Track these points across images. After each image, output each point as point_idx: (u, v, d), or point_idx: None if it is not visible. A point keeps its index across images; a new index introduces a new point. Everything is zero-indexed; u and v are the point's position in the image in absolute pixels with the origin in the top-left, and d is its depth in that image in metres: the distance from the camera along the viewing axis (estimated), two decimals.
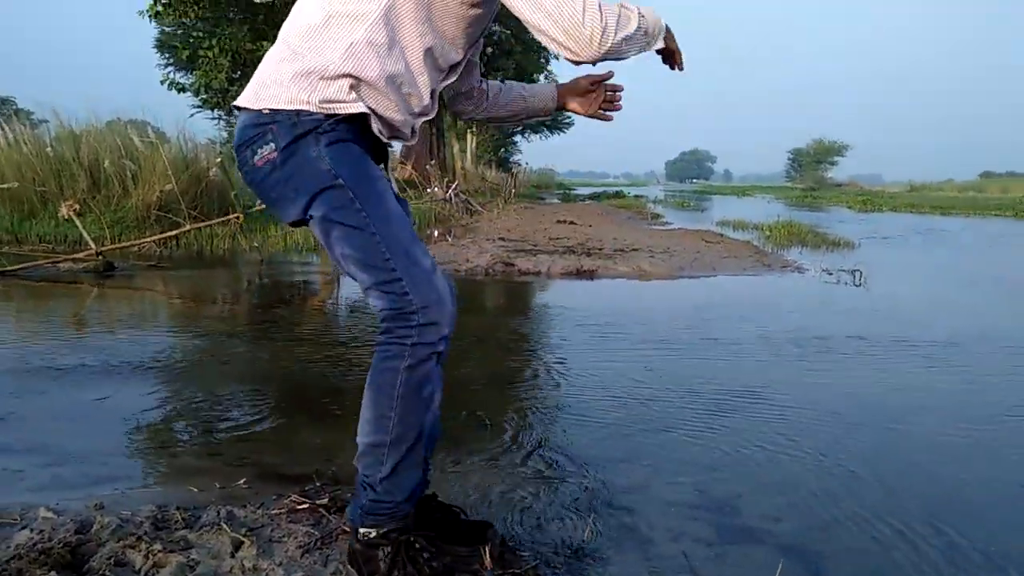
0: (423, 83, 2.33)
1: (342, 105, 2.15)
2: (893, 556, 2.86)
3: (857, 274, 10.54)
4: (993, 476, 3.72)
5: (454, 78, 2.49)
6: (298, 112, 2.13)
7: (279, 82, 2.16)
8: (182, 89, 21.65)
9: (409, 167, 26.49)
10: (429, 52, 2.28)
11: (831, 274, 10.86)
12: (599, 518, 3.05)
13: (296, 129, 2.13)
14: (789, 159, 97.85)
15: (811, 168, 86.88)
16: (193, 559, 2.33)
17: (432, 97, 2.42)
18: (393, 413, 2.23)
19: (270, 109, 2.15)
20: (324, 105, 2.13)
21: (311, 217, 2.22)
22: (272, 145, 2.16)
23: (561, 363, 5.73)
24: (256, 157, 2.19)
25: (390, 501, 2.26)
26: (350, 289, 9.39)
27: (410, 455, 2.27)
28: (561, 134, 54.40)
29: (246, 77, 18.98)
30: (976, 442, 4.19)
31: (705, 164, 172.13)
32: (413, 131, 2.48)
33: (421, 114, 2.43)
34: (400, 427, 2.24)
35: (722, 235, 16.79)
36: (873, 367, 5.81)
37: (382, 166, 2.43)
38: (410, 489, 2.31)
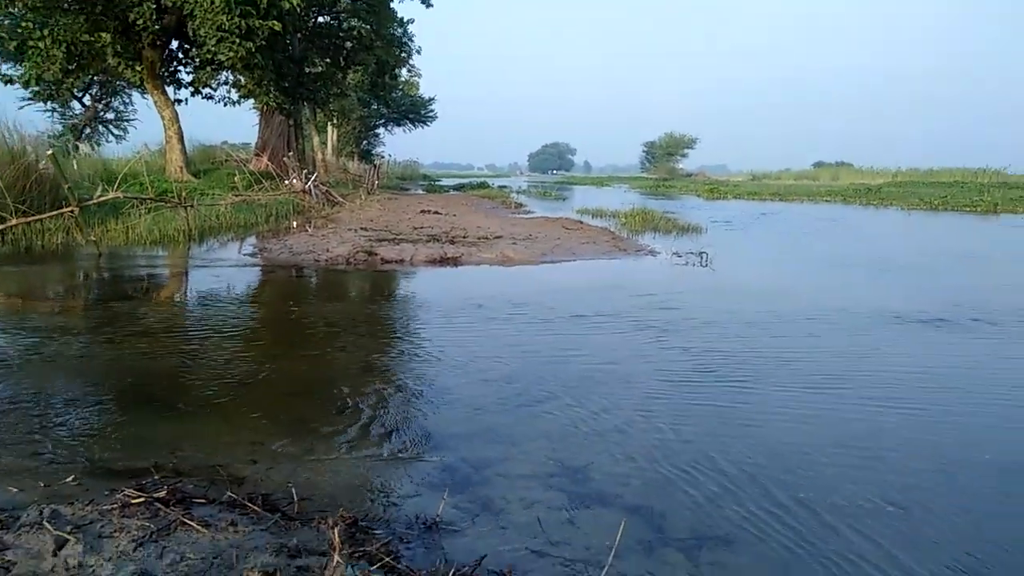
0: None
1: None
2: (723, 511, 3.05)
3: (704, 256, 11.15)
4: (814, 439, 4.05)
5: None
6: None
7: None
8: (9, 81, 19.78)
9: (265, 159, 25.47)
10: None
11: (681, 256, 11.43)
12: (455, 493, 3.05)
13: None
14: (644, 151, 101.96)
15: (663, 160, 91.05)
16: (8, 560, 2.13)
17: None
18: None
19: None
20: None
21: None
22: None
23: (423, 347, 5.70)
24: None
25: None
26: (199, 283, 8.92)
27: None
28: (425, 127, 54.07)
29: (82, 69, 17.53)
30: (801, 407, 4.54)
31: (566, 156, 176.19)
32: None
33: None
34: None
35: (581, 222, 17.26)
36: (717, 337, 6.16)
37: None
38: None
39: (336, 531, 2.33)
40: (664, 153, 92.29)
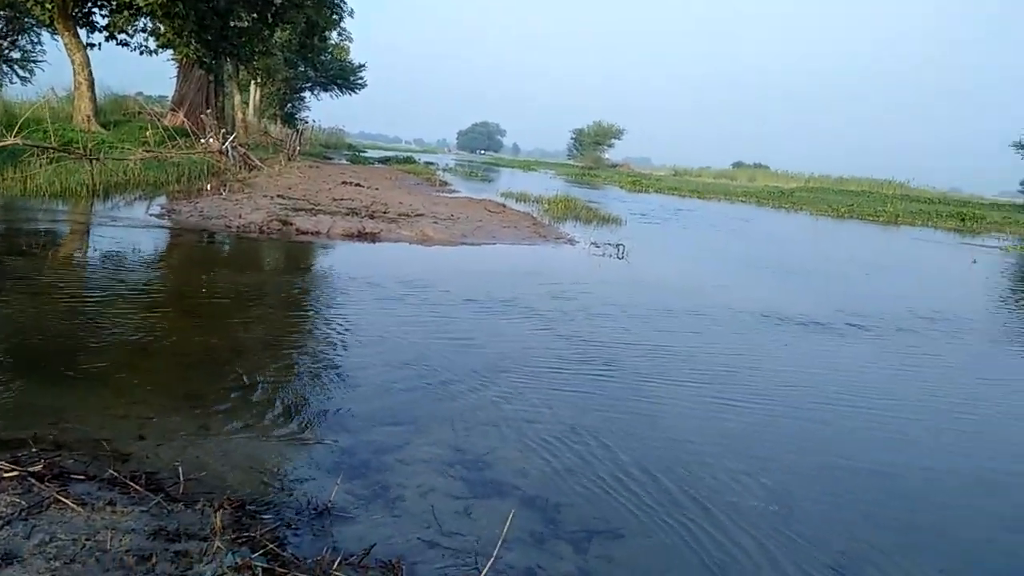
0: None
1: None
2: (615, 500, 3.14)
3: (621, 248, 11.34)
4: (702, 427, 4.20)
5: None
6: None
7: None
8: None
9: (181, 115, 24.38)
10: None
11: (598, 247, 11.59)
12: (350, 478, 3.03)
13: None
14: (572, 138, 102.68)
15: (591, 148, 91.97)
16: None
17: None
18: None
19: None
20: None
21: None
22: None
23: (331, 324, 5.61)
24: None
25: None
26: (100, 242, 8.50)
27: None
28: (353, 94, 52.79)
29: None
30: (696, 395, 4.70)
31: (495, 137, 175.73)
32: None
33: None
34: None
35: (504, 206, 17.28)
36: (623, 328, 6.30)
37: None
38: None
39: (219, 515, 2.28)
40: (592, 141, 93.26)
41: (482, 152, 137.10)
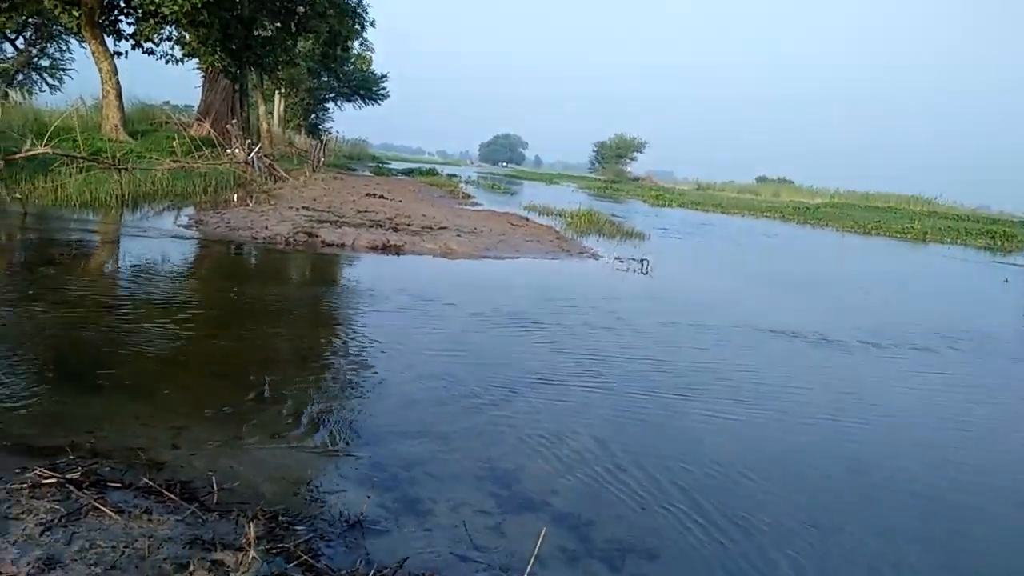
0: None
1: None
2: (653, 519, 3.11)
3: (644, 263, 11.31)
4: (743, 448, 4.16)
5: None
6: None
7: None
8: None
9: (207, 125, 24.72)
10: None
11: (622, 262, 11.56)
12: (382, 491, 3.03)
13: None
14: (594, 151, 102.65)
15: (613, 161, 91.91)
16: None
17: None
18: None
19: None
20: None
21: None
22: None
23: (359, 336, 5.64)
24: None
25: None
26: (130, 252, 8.62)
27: None
28: (376, 104, 53.24)
29: (15, 8, 16.41)
30: (738, 422, 4.66)
31: (517, 149, 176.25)
32: None
33: None
34: None
35: (527, 219, 17.31)
36: (655, 344, 6.27)
37: None
38: None
39: (253, 525, 2.29)
40: (614, 155, 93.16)
41: (504, 164, 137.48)
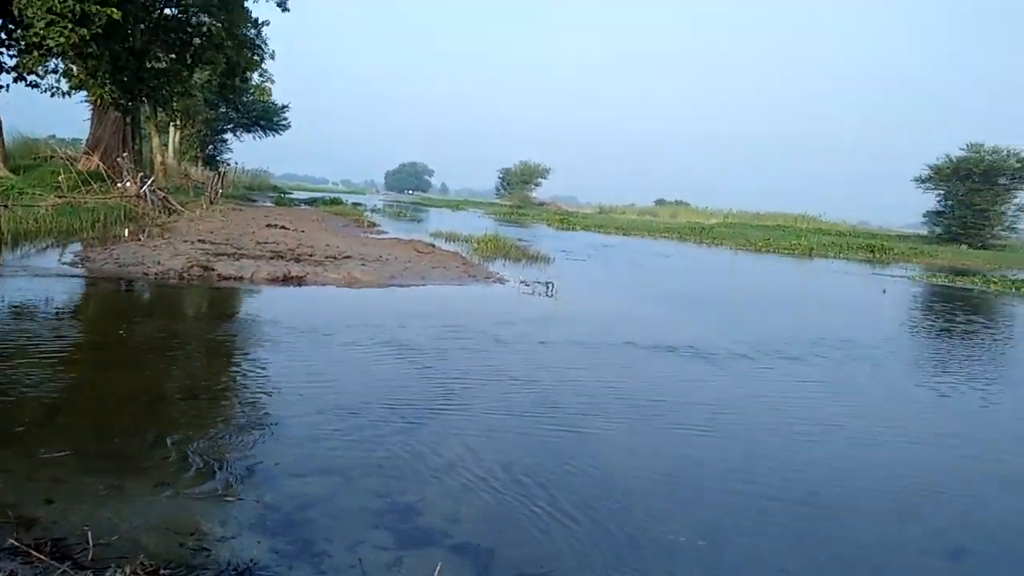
0: None
1: None
2: (554, 543, 3.13)
3: (549, 286, 11.46)
4: (636, 464, 4.25)
5: None
6: None
7: None
8: None
9: (96, 158, 23.58)
10: None
11: (528, 285, 11.68)
12: (274, 534, 2.93)
13: None
14: (499, 177, 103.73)
15: (518, 187, 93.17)
16: None
17: None
18: None
19: None
20: None
21: None
22: None
23: (254, 372, 5.47)
24: None
25: None
26: (10, 293, 8.09)
27: None
28: (277, 135, 52.13)
29: None
30: (627, 434, 4.76)
31: (423, 176, 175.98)
32: None
33: None
34: None
35: (433, 246, 17.27)
36: (556, 365, 6.34)
37: None
38: None
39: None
40: (519, 181, 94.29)
41: (410, 192, 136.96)
